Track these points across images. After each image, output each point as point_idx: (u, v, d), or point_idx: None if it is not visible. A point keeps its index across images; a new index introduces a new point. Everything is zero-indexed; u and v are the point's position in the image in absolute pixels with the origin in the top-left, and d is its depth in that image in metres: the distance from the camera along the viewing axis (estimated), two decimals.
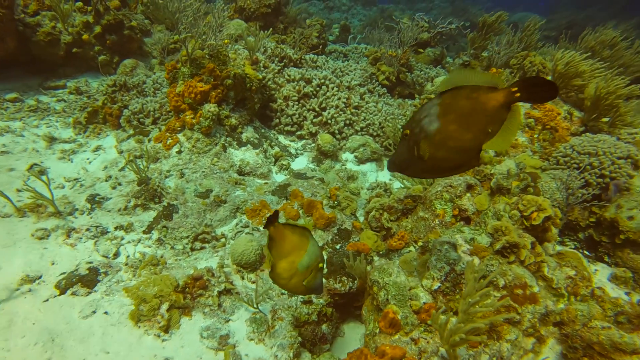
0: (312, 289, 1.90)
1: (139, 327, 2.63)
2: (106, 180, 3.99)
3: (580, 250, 3.76)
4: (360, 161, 5.00)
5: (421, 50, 7.70)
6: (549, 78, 5.36)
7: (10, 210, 3.44)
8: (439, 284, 2.33)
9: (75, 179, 4.01)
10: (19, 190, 3.66)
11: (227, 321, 2.74)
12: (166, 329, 2.61)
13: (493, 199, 3.34)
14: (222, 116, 4.27)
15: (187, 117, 4.16)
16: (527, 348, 2.30)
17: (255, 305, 2.72)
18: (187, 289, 2.79)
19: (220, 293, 2.83)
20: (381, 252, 3.36)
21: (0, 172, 3.89)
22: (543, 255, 2.67)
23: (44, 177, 3.44)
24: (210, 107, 4.10)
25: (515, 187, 3.43)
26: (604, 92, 4.13)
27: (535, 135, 4.79)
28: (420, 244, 2.80)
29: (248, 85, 4.40)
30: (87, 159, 4.36)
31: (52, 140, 4.54)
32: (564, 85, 4.84)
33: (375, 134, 5.26)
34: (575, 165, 3.93)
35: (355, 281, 3.14)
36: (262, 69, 5.07)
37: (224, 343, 2.58)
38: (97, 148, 4.50)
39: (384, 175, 5.03)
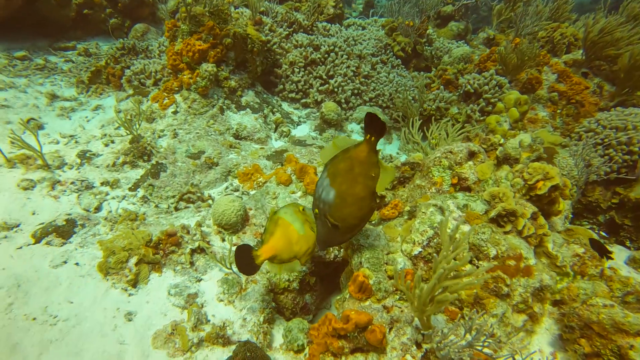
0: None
1: (107, 280, 2.52)
2: (101, 138, 3.91)
3: (597, 230, 3.42)
4: None
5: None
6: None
7: (1, 161, 3.41)
8: (420, 249, 2.10)
9: (71, 136, 3.95)
10: (12, 143, 3.61)
11: (198, 280, 2.61)
12: (134, 283, 2.50)
13: (498, 169, 3.06)
14: (221, 77, 4.10)
15: (185, 76, 4.02)
16: (516, 325, 2.05)
17: (228, 266, 2.57)
18: (161, 245, 2.66)
19: (193, 251, 2.69)
20: (373, 222, 3.14)
21: None
22: (546, 227, 2.39)
23: (32, 129, 3.38)
24: (207, 67, 3.94)
25: (525, 158, 3.13)
26: None
27: (558, 110, 4.41)
28: (407, 208, 2.57)
29: (249, 46, 4.21)
30: (86, 117, 4.30)
31: (53, 97, 4.50)
32: (596, 56, 4.41)
33: (384, 105, 4.99)
34: (599, 141, 3.57)
35: (341, 250, 2.94)
36: (268, 32, 4.86)
37: (191, 302, 2.45)
38: (97, 107, 4.44)
39: (391, 149, 4.77)
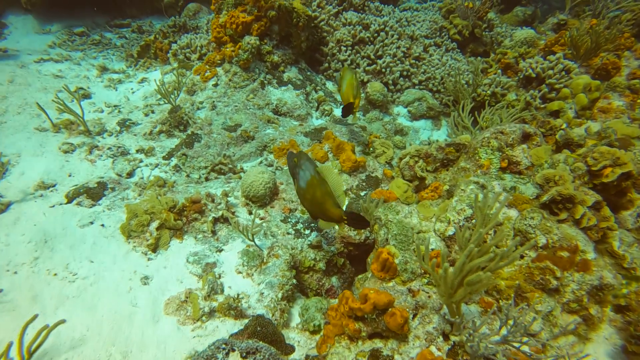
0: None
1: (129, 242, 2.48)
2: (143, 109, 3.94)
3: None
4: (414, 117, 4.47)
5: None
6: None
7: (48, 126, 3.51)
8: (455, 230, 1.84)
9: (115, 106, 4.02)
10: (59, 110, 3.71)
11: (219, 250, 2.50)
12: (154, 248, 2.44)
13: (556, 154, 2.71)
14: (264, 51, 3.99)
15: (227, 49, 3.94)
16: (566, 327, 1.75)
17: (250, 237, 2.44)
18: (185, 212, 2.59)
19: (216, 220, 2.59)
20: (411, 205, 2.89)
21: (49, 92, 4.01)
22: (611, 220, 2.04)
23: (78, 97, 3.44)
24: (250, 39, 3.84)
25: (591, 145, 2.74)
26: None
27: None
28: (446, 187, 2.30)
29: (295, 20, 4.06)
30: (131, 89, 4.37)
31: (104, 70, 4.62)
32: None
33: (435, 89, 4.67)
34: None
35: (373, 233, 2.73)
36: (316, 8, 4.69)
37: (208, 271, 2.35)
38: (143, 80, 4.50)
39: (440, 135, 4.46)
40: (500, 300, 1.74)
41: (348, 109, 3.01)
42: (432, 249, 1.82)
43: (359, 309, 1.69)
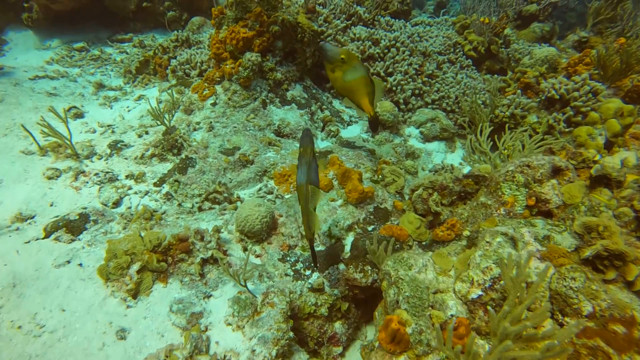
0: None
1: (108, 286, 2.21)
2: (137, 129, 3.70)
3: None
4: (427, 138, 4.17)
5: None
6: None
7: (35, 149, 3.28)
8: (479, 292, 1.53)
9: (108, 125, 3.78)
10: (44, 134, 3.48)
11: (207, 296, 2.21)
12: (134, 293, 2.16)
13: (592, 192, 2.39)
14: (266, 68, 3.74)
15: (227, 66, 3.70)
16: None
17: (242, 282, 2.15)
18: (170, 250, 2.31)
19: (205, 261, 2.30)
20: (424, 243, 2.58)
21: (40, 111, 3.79)
22: None
23: (69, 117, 3.21)
24: (251, 56, 3.59)
25: (631, 181, 2.42)
26: None
27: None
28: (466, 233, 1.99)
29: (299, 36, 3.82)
30: (127, 107, 4.14)
31: (100, 87, 4.41)
32: None
33: (449, 109, 4.38)
34: None
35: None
36: (323, 23, 4.45)
37: (194, 322, 2.05)
38: (140, 97, 4.27)
39: (454, 158, 4.15)
40: None
41: (375, 125, 3.04)
42: (452, 316, 1.51)
43: None
